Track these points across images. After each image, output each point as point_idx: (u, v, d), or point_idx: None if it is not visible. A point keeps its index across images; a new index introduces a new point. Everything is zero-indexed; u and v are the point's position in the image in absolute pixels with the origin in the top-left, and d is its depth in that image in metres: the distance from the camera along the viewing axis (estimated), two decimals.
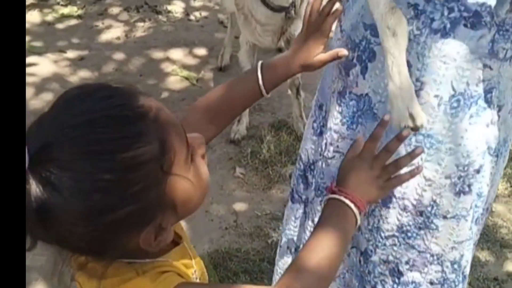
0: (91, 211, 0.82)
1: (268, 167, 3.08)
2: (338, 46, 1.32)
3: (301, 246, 1.52)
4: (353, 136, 1.31)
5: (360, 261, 1.41)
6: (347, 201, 1.04)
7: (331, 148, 1.36)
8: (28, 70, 3.76)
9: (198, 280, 1.07)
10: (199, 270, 1.09)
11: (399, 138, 1.10)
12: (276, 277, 1.67)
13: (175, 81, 3.82)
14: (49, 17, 4.52)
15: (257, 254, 2.55)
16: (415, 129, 1.14)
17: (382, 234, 1.36)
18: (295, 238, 1.57)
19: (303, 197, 1.50)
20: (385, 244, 1.37)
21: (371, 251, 1.39)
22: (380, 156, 1.08)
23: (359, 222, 1.05)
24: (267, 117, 3.49)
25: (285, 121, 3.41)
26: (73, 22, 4.47)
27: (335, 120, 1.35)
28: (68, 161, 0.81)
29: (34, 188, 0.80)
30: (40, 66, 3.86)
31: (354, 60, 1.28)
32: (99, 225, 0.84)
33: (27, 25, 4.36)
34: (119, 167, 0.82)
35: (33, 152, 0.81)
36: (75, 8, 4.63)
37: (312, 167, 1.46)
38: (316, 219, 1.38)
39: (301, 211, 1.52)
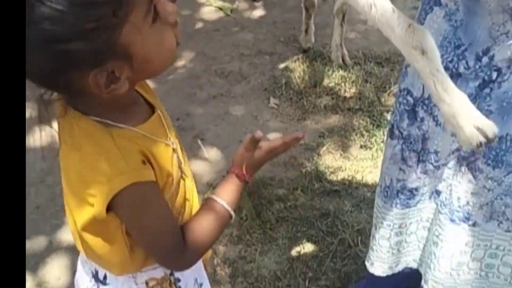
0: (44, 38, 0.88)
1: (303, 98, 3.05)
2: None
3: (395, 184, 1.50)
4: None
5: None
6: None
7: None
8: None
9: (176, 147, 1.15)
10: (175, 139, 1.17)
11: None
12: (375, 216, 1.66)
13: (209, 12, 3.77)
14: None
15: (291, 183, 2.56)
16: (490, 141, 1.02)
17: None
18: (386, 177, 1.54)
19: (405, 133, 1.44)
20: None
21: None
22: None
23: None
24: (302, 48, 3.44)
25: (320, 52, 3.36)
26: None
27: None
28: None
29: None
30: None
31: None
32: (51, 54, 0.90)
33: None
34: (73, 1, 0.87)
35: None
36: None
37: (427, 102, 1.37)
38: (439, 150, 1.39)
39: (398, 147, 1.47)
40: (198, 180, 2.60)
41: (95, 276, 1.25)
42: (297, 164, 2.68)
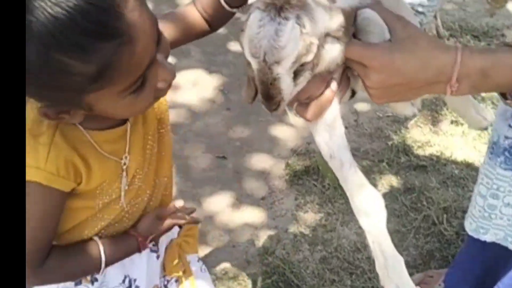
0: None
1: None
2: None
3: (501, 141, 1.44)
4: None
5: None
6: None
7: None
8: None
9: (126, 169, 1.10)
10: (134, 160, 1.11)
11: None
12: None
13: None
14: None
15: (376, 155, 2.51)
16: None
17: None
18: (495, 133, 1.48)
19: None
20: None
21: None
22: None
23: None
24: None
25: None
26: None
27: None
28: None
29: None
30: None
31: None
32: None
33: None
34: (46, 58, 0.82)
35: None
36: None
37: None
38: None
39: None
40: (283, 146, 2.60)
41: None
42: (384, 136, 2.62)
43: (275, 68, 0.90)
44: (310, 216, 2.27)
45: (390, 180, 2.38)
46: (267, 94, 0.93)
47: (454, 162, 2.46)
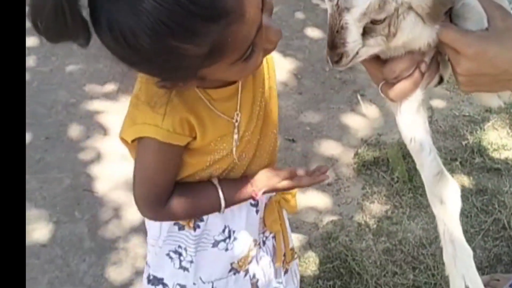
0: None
1: None
2: None
3: None
4: None
5: None
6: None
7: None
8: None
9: (237, 126, 1.12)
10: (244, 117, 1.13)
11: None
12: None
13: None
14: None
15: (449, 153, 2.45)
16: None
17: None
18: None
19: None
20: None
21: None
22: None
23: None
24: None
25: None
26: None
27: None
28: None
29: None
30: None
31: None
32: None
33: None
34: (159, 45, 0.83)
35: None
36: None
37: None
38: None
39: None
40: (353, 134, 2.58)
41: None
42: (458, 135, 2.55)
43: (345, 14, 0.89)
44: (376, 207, 2.24)
45: (462, 180, 2.32)
46: (332, 42, 0.92)
47: None
